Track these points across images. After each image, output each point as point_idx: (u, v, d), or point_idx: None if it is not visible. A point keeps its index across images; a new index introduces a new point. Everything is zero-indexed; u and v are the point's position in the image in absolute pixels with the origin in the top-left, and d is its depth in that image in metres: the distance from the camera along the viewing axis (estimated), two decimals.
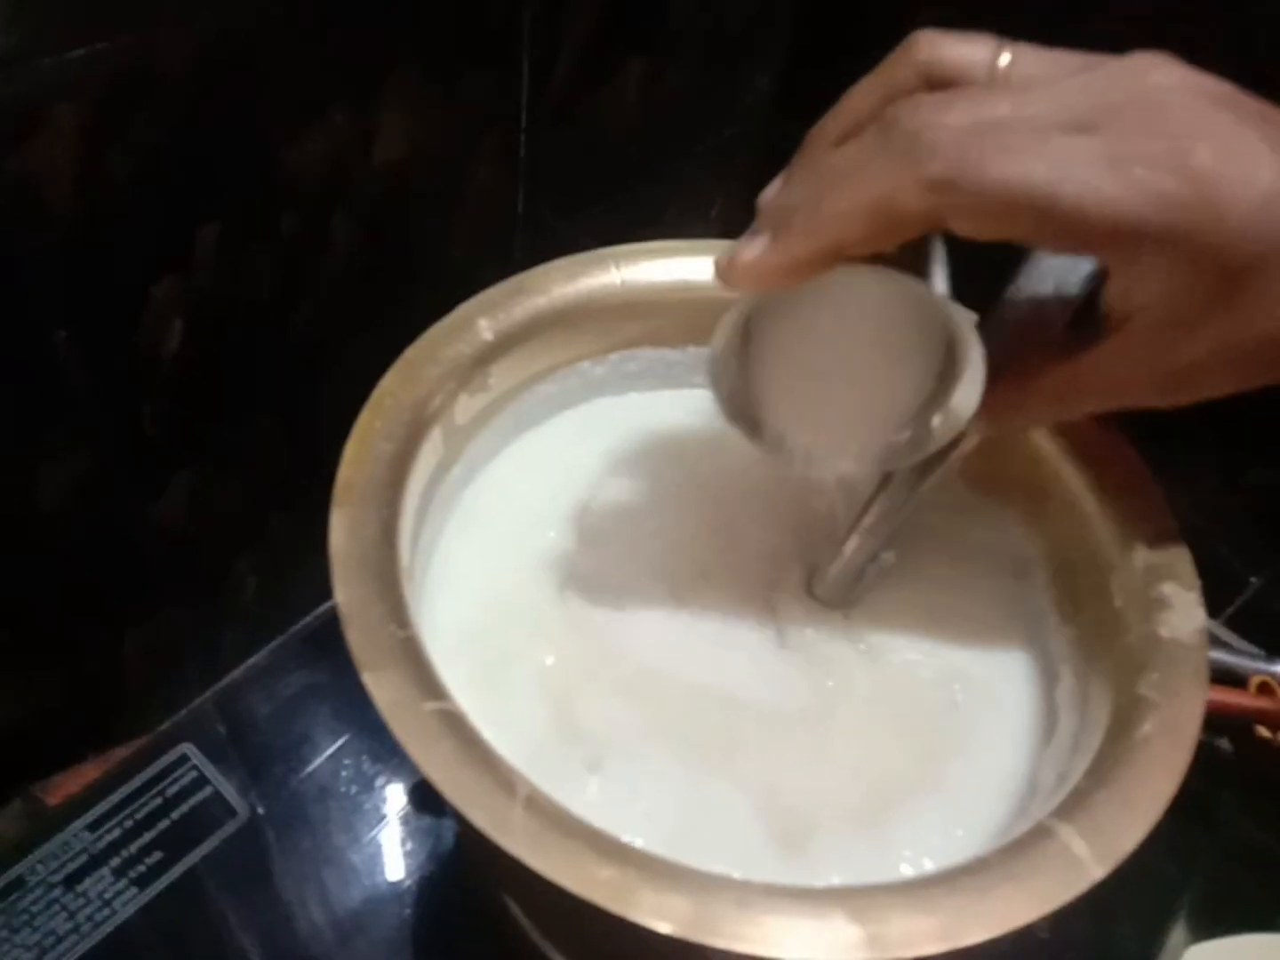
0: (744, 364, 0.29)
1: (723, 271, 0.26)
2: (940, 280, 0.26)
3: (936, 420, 0.28)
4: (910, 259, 0.25)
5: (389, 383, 0.31)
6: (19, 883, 0.40)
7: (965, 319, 0.25)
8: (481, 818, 0.23)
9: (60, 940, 0.39)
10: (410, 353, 0.32)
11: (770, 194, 0.27)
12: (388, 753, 0.46)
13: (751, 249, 0.25)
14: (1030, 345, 0.27)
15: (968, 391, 0.26)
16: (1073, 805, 0.24)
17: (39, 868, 0.40)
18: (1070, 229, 0.22)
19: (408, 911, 0.42)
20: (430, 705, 0.25)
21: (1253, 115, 0.22)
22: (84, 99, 0.30)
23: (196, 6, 0.32)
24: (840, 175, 0.24)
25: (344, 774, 0.45)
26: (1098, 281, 0.25)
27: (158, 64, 0.32)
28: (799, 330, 0.28)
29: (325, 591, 0.56)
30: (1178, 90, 0.22)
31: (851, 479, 0.33)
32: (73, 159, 0.31)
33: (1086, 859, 0.23)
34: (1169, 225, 0.22)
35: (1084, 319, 0.26)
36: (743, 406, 0.30)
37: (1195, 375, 0.25)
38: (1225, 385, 0.25)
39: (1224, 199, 0.22)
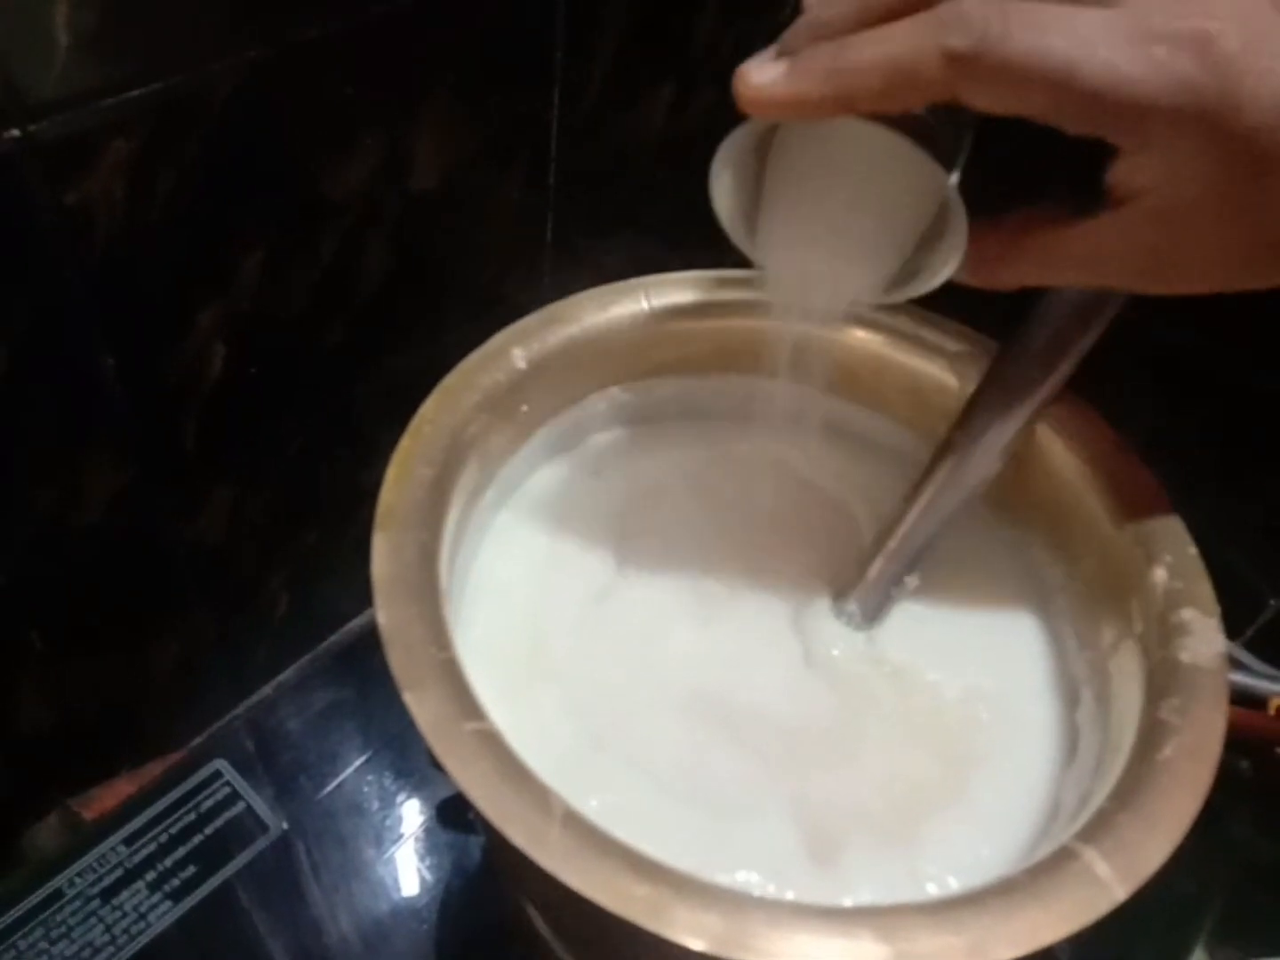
0: (757, 185, 0.29)
1: (735, 83, 0.25)
2: (953, 156, 0.25)
3: (920, 269, 0.28)
4: (936, 128, 0.25)
5: (427, 410, 0.32)
6: (57, 895, 0.41)
7: (955, 192, 0.26)
8: (520, 835, 0.23)
9: (97, 952, 0.39)
10: (448, 381, 0.33)
11: (809, 13, 0.25)
12: (412, 768, 0.47)
13: (765, 72, 0.24)
14: (1029, 208, 0.26)
15: (952, 244, 0.26)
16: (1096, 827, 0.25)
17: (77, 880, 0.41)
18: (1084, 107, 0.22)
19: (433, 924, 0.42)
20: (470, 726, 0.25)
21: None
22: (137, 135, 0.32)
23: (242, 42, 0.33)
24: (869, 26, 0.23)
25: (372, 789, 0.46)
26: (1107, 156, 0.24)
27: (204, 99, 0.33)
28: (803, 167, 0.28)
29: (352, 609, 0.57)
30: None
31: (827, 317, 0.32)
32: (124, 192, 0.33)
33: (1109, 880, 0.23)
34: (1184, 110, 0.21)
35: (1087, 192, 0.25)
36: (748, 222, 0.30)
37: (1184, 265, 0.24)
38: (1214, 281, 0.25)
39: (1245, 89, 0.21)
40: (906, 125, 0.25)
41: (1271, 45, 0.21)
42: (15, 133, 0.29)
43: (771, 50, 0.25)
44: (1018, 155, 0.25)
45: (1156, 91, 0.21)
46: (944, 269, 0.27)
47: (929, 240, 0.28)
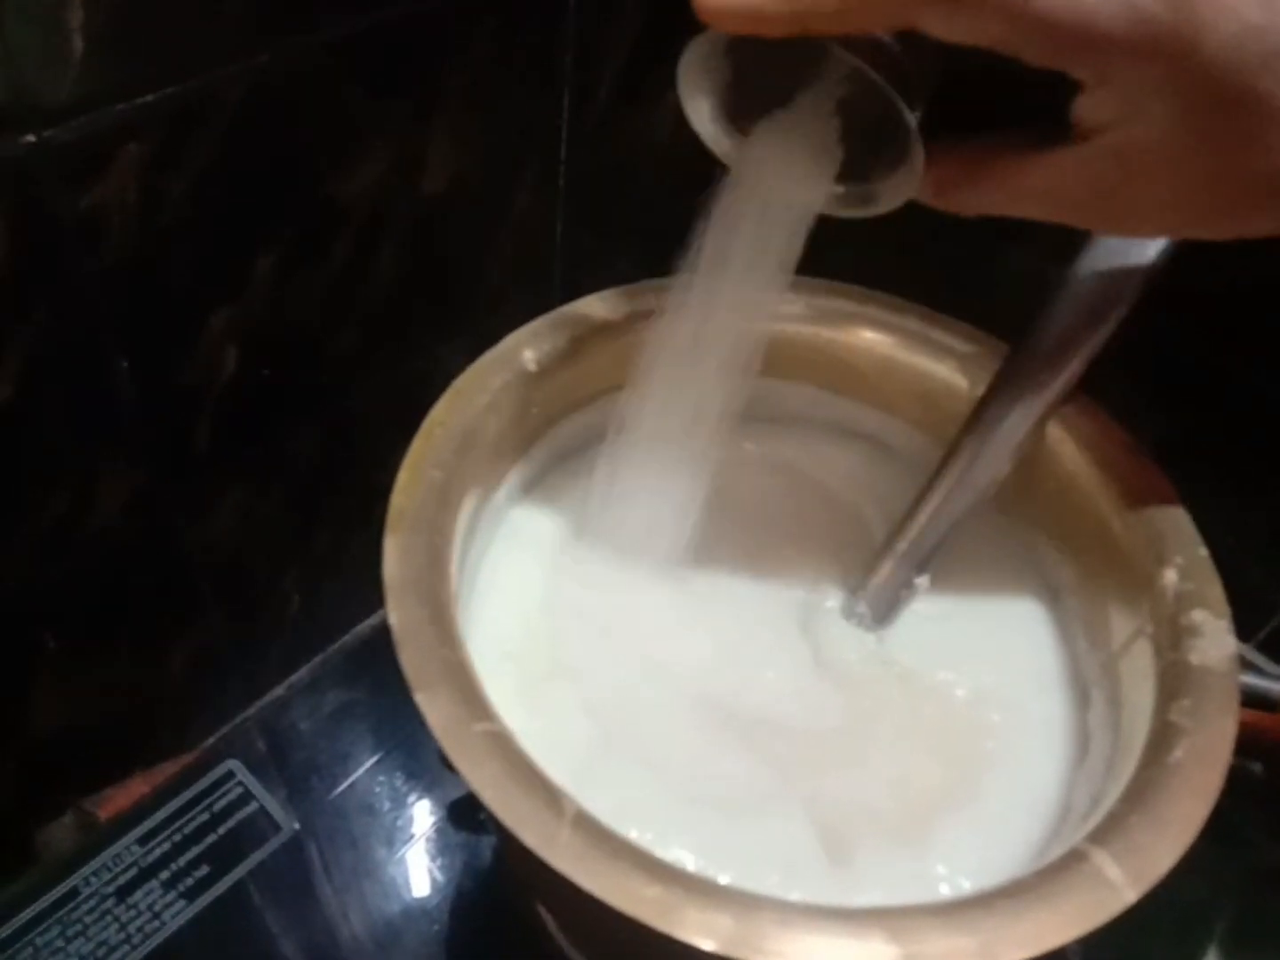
0: (728, 79, 0.28)
1: None
2: (915, 87, 0.25)
3: (880, 193, 0.28)
4: (901, 56, 0.24)
5: (439, 412, 0.32)
6: (73, 893, 0.41)
7: (914, 123, 0.25)
8: (531, 836, 0.23)
9: (113, 950, 0.40)
10: (459, 383, 0.33)
11: None
12: (423, 769, 0.47)
13: None
14: (992, 136, 0.26)
15: (909, 169, 0.26)
16: (1106, 829, 0.25)
17: (92, 879, 0.41)
18: (1042, 38, 0.21)
19: (445, 924, 0.43)
20: (480, 726, 0.25)
21: None
22: (150, 139, 0.32)
23: (254, 47, 0.33)
24: None
25: (383, 790, 0.46)
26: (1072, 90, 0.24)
27: (216, 103, 0.33)
28: (766, 76, 0.28)
29: (364, 610, 0.57)
30: None
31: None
32: (138, 196, 0.33)
33: (1120, 883, 0.23)
34: (1142, 44, 0.21)
35: (1052, 125, 0.25)
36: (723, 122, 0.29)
37: (1142, 206, 0.24)
38: (1170, 225, 0.25)
39: (1204, 24, 0.20)
40: (868, 51, 0.24)
41: None
42: (31, 138, 0.29)
43: None
44: (987, 83, 0.25)
45: (1113, 23, 0.21)
46: (899, 195, 0.27)
47: (890, 163, 0.28)
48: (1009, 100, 0.25)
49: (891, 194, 0.28)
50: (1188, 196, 0.24)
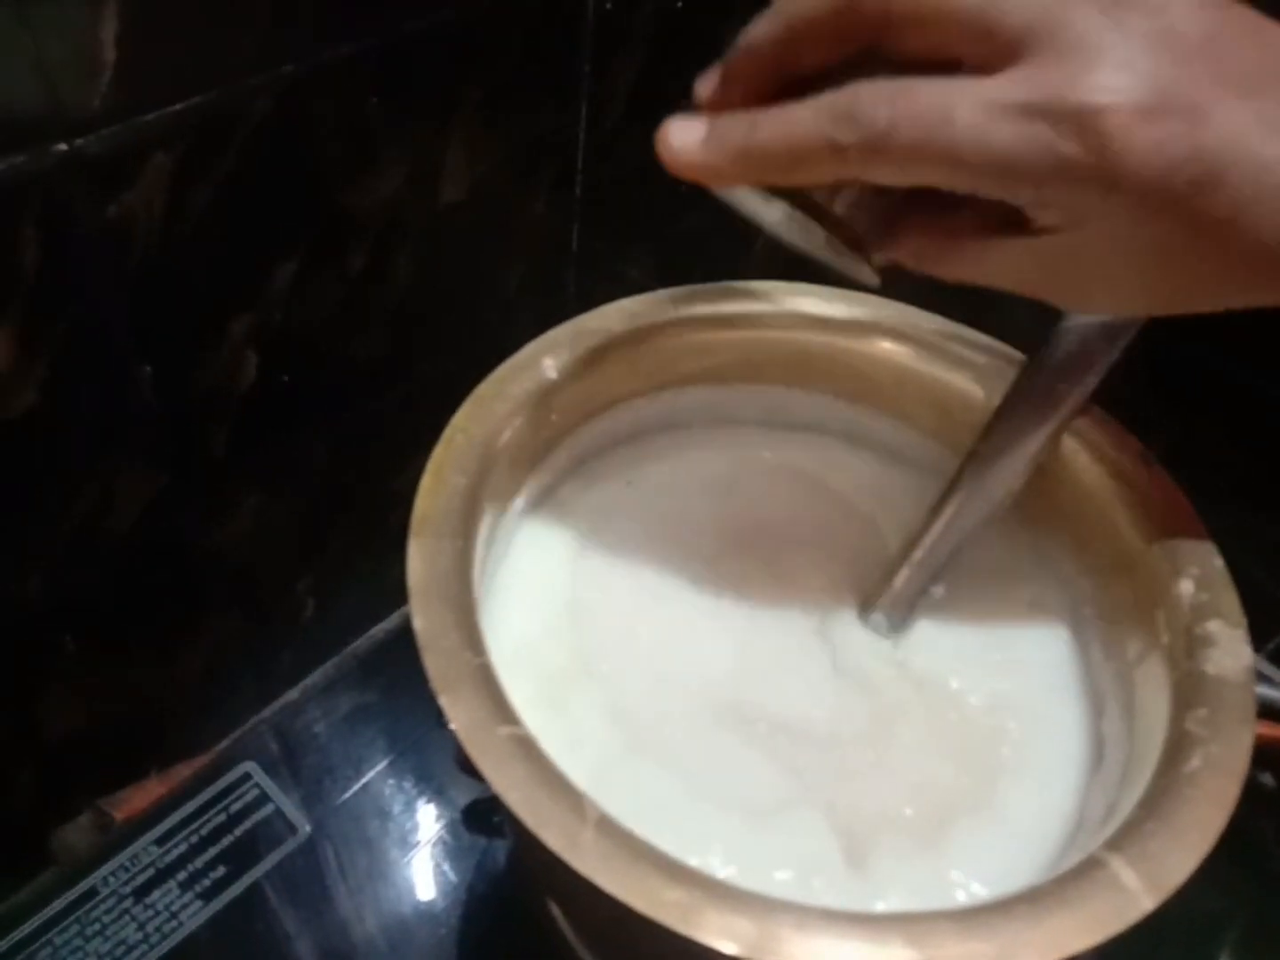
0: None
1: (657, 141, 0.26)
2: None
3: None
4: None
5: (460, 419, 0.32)
6: (92, 893, 0.41)
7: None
8: (554, 839, 0.24)
9: (131, 949, 0.40)
10: (480, 390, 0.33)
11: (740, 38, 0.26)
12: (435, 771, 0.47)
13: (683, 134, 0.25)
14: (957, 216, 0.26)
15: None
16: (1123, 837, 0.25)
17: (110, 879, 0.42)
18: (975, 181, 0.23)
19: (457, 926, 0.43)
20: (504, 730, 0.26)
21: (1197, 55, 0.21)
22: (177, 148, 0.32)
23: (278, 59, 0.34)
24: (781, 108, 0.24)
25: (396, 792, 0.47)
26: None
27: (241, 113, 0.34)
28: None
29: (377, 613, 0.58)
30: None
31: None
32: (163, 205, 0.33)
33: (1137, 890, 0.24)
34: (1069, 178, 0.22)
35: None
36: None
37: (1105, 292, 0.25)
38: (1141, 306, 0.26)
39: (1125, 166, 0.21)
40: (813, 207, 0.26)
41: (1167, 109, 0.21)
42: (62, 147, 0.30)
43: (714, 75, 0.26)
44: None
45: (1040, 166, 0.22)
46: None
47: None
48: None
49: (868, 277, 0.29)
50: (1140, 286, 0.25)
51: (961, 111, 0.22)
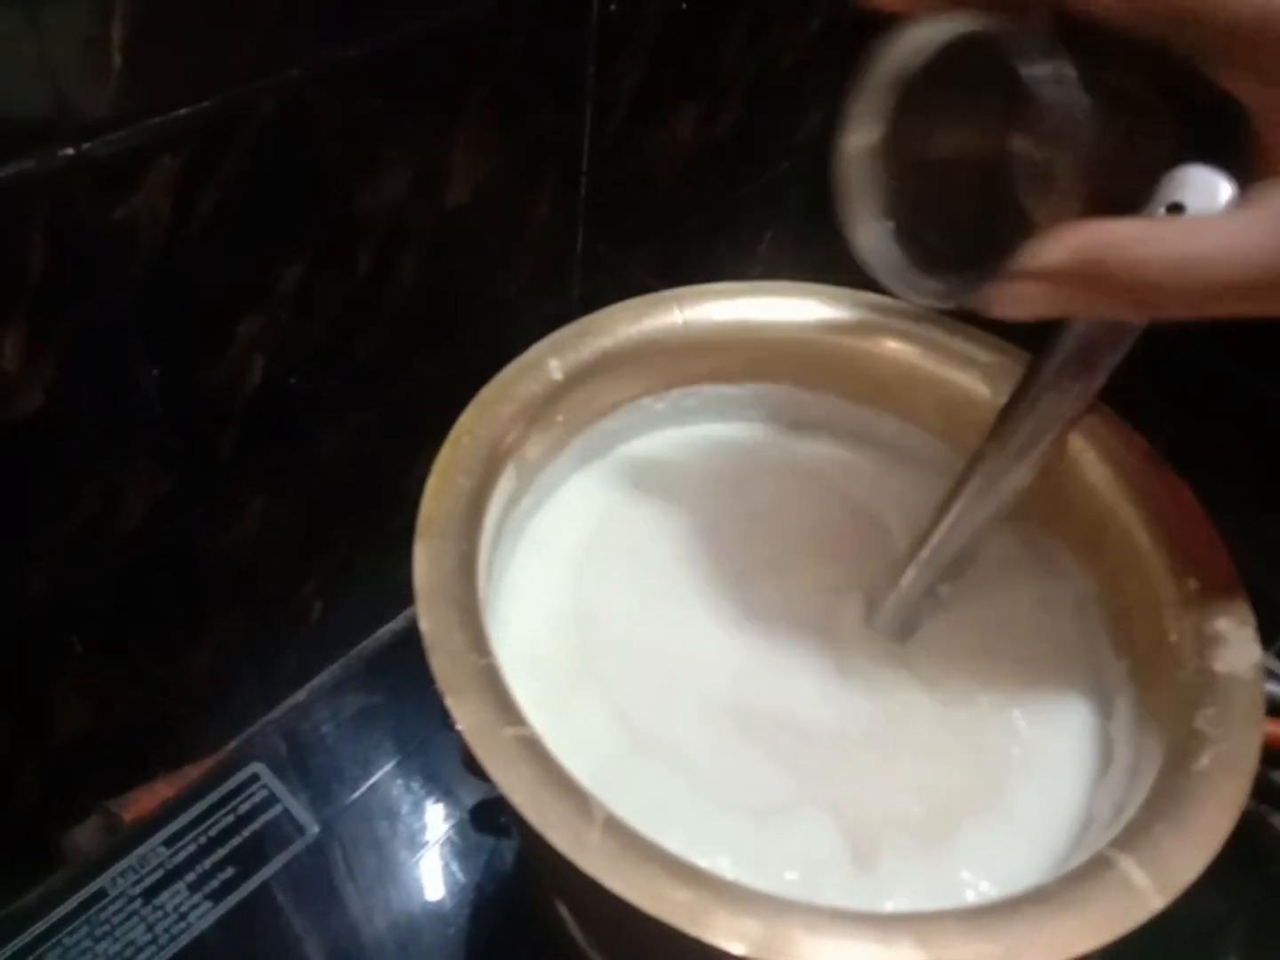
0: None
1: None
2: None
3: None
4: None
5: (466, 421, 0.32)
6: (100, 894, 0.41)
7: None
8: (561, 840, 0.24)
9: (140, 950, 0.40)
10: (486, 392, 0.33)
11: None
12: (442, 772, 0.47)
13: None
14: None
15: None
16: (1132, 836, 0.25)
17: (119, 880, 0.42)
18: (1205, 21, 0.20)
19: (465, 927, 0.43)
20: (510, 731, 0.26)
21: None
22: (183, 151, 0.32)
23: (284, 62, 0.34)
24: None
25: (404, 793, 0.47)
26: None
27: (247, 116, 0.34)
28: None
29: (383, 615, 0.58)
30: None
31: None
32: (170, 207, 0.33)
33: (1147, 889, 0.24)
34: None
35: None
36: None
37: None
38: None
39: None
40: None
41: None
42: (69, 150, 0.30)
43: None
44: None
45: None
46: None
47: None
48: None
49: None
50: None
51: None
